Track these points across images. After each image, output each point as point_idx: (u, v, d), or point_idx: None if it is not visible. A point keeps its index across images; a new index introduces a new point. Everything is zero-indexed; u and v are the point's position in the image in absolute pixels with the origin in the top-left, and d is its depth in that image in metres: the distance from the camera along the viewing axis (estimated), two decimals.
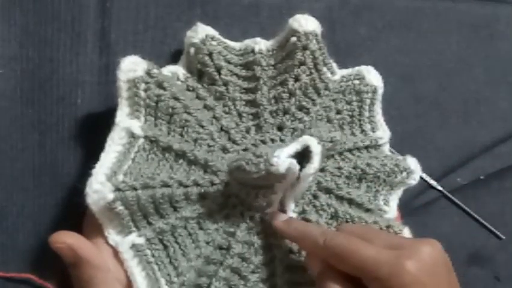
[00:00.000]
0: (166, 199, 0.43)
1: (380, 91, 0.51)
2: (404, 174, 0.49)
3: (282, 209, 0.45)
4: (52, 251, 0.41)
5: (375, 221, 0.46)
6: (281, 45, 0.48)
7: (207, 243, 0.45)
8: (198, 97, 0.47)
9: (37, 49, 0.49)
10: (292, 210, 0.45)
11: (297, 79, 0.47)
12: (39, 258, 0.48)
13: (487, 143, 0.58)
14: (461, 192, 0.57)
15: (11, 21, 0.49)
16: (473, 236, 0.57)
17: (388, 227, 0.45)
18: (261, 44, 0.48)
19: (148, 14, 0.51)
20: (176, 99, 0.45)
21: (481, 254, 0.57)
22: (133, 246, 0.42)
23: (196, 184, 0.44)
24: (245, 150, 0.47)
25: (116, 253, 0.43)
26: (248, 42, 0.48)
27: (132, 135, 0.44)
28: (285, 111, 0.48)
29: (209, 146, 0.46)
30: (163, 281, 0.43)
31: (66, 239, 0.41)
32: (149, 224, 0.43)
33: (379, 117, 0.51)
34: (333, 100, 0.49)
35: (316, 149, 0.41)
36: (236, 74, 0.48)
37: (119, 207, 0.42)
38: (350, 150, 0.49)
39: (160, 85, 0.45)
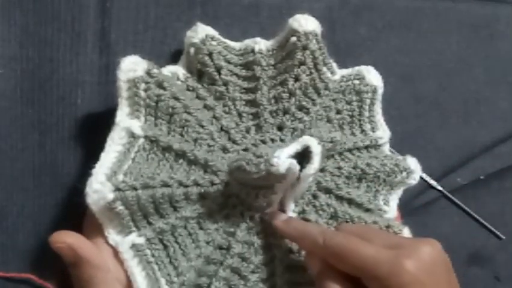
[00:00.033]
0: (166, 199, 0.43)
1: (380, 91, 0.51)
2: (404, 174, 0.49)
3: (282, 209, 0.45)
4: (52, 251, 0.41)
5: (375, 221, 0.46)
6: (281, 45, 0.48)
7: (207, 243, 0.45)
8: (198, 97, 0.47)
9: (37, 49, 0.49)
10: (292, 210, 0.45)
11: (297, 79, 0.47)
12: (39, 258, 0.48)
13: (487, 143, 0.58)
14: (461, 192, 0.57)
15: (11, 21, 0.49)
16: (473, 236, 0.57)
17: (388, 227, 0.45)
18: (261, 44, 0.48)
19: (148, 14, 0.51)
20: (176, 99, 0.45)
21: (481, 254, 0.57)
22: (133, 246, 0.42)
23: (196, 184, 0.44)
24: (245, 150, 0.47)
25: (116, 253, 0.43)
26: (248, 42, 0.48)
27: (132, 135, 0.44)
28: (285, 111, 0.48)
29: (209, 145, 0.46)
30: (163, 280, 0.43)
31: (66, 239, 0.41)
32: (149, 223, 0.43)
33: (379, 117, 0.51)
34: (333, 100, 0.49)
35: (316, 149, 0.41)
36: (236, 74, 0.48)
37: (119, 207, 0.42)
38: (349, 150, 0.49)
39: (160, 85, 0.45)
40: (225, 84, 0.47)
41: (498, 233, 0.57)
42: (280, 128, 0.48)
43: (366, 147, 0.50)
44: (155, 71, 0.45)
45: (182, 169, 0.44)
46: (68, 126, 0.49)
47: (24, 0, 0.49)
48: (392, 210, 0.50)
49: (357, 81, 0.50)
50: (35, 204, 0.48)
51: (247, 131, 0.48)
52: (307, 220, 0.46)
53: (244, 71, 0.48)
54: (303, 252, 0.45)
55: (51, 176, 0.49)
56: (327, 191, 0.47)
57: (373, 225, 0.46)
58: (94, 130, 0.48)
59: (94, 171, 0.42)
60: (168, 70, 0.47)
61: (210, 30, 0.48)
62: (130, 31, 0.51)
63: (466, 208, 0.57)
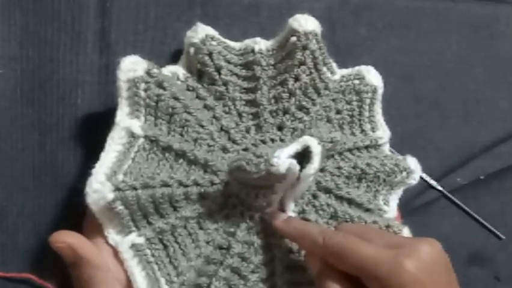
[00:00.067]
0: (166, 199, 0.43)
1: (380, 91, 0.51)
2: (404, 174, 0.49)
3: (282, 209, 0.45)
4: (52, 251, 0.41)
5: (375, 221, 0.46)
6: (281, 45, 0.48)
7: (207, 243, 0.45)
8: (198, 97, 0.47)
9: (37, 49, 0.49)
10: (291, 210, 0.45)
11: (297, 79, 0.47)
12: (39, 258, 0.48)
13: (487, 143, 0.58)
14: (461, 192, 0.57)
15: (11, 21, 0.49)
16: (473, 236, 0.57)
17: (388, 226, 0.45)
18: (261, 44, 0.48)
19: (148, 14, 0.51)
20: (176, 99, 0.45)
21: (481, 254, 0.57)
22: (133, 245, 0.42)
23: (196, 184, 0.44)
24: (245, 150, 0.47)
25: (116, 253, 0.43)
26: (248, 42, 0.48)
27: (132, 135, 0.44)
28: (285, 111, 0.48)
29: (209, 145, 0.46)
30: (163, 280, 0.43)
31: (66, 239, 0.41)
32: (149, 223, 0.43)
33: (379, 117, 0.51)
34: (333, 100, 0.49)
35: (316, 149, 0.41)
36: (236, 74, 0.48)
37: (119, 207, 0.42)
38: (349, 150, 0.49)
39: (160, 85, 0.45)
40: (225, 84, 0.47)
41: (498, 233, 0.57)
42: (280, 128, 0.48)
43: (366, 147, 0.50)
44: (155, 71, 0.45)
45: (182, 169, 0.44)
46: (68, 126, 0.49)
47: (24, 0, 0.49)
48: (392, 210, 0.50)
49: (357, 81, 0.50)
50: (35, 204, 0.48)
51: (247, 131, 0.48)
52: (307, 220, 0.46)
53: (244, 71, 0.48)
54: (303, 252, 0.45)
55: (51, 176, 0.49)
56: (327, 190, 0.47)
57: (373, 225, 0.46)
58: (94, 130, 0.48)
59: (94, 171, 0.42)
60: (168, 70, 0.47)
61: (210, 30, 0.48)
62: (130, 31, 0.51)
63: (466, 208, 0.57)
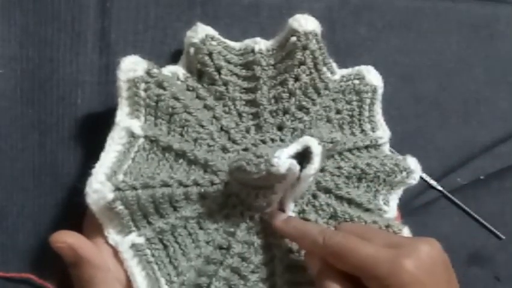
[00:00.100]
0: (166, 199, 0.43)
1: (380, 91, 0.51)
2: (404, 174, 0.49)
3: (282, 209, 0.45)
4: (52, 251, 0.41)
5: (375, 221, 0.46)
6: (281, 45, 0.48)
7: (207, 242, 0.45)
8: (198, 97, 0.47)
9: (37, 49, 0.49)
10: (291, 210, 0.45)
11: (297, 79, 0.47)
12: (39, 258, 0.48)
13: (487, 143, 0.58)
14: (461, 192, 0.57)
15: (11, 21, 0.49)
16: (473, 236, 0.57)
17: (387, 226, 0.45)
18: (261, 44, 0.48)
19: (148, 14, 0.51)
20: (176, 99, 0.45)
21: (481, 254, 0.57)
22: (133, 245, 0.42)
23: (196, 184, 0.44)
24: (245, 150, 0.47)
25: (116, 253, 0.43)
26: (248, 42, 0.48)
27: (132, 135, 0.44)
28: (285, 111, 0.48)
29: (209, 145, 0.46)
30: (163, 280, 0.43)
31: (66, 239, 0.41)
32: (149, 223, 0.43)
33: (379, 117, 0.51)
34: (333, 100, 0.49)
35: (316, 149, 0.41)
36: (236, 74, 0.48)
37: (119, 207, 0.42)
38: (349, 150, 0.49)
39: (160, 85, 0.45)
40: (225, 84, 0.47)
41: (498, 233, 0.57)
42: (280, 128, 0.48)
43: (366, 147, 0.50)
44: (155, 70, 0.45)
45: (182, 169, 0.44)
46: (68, 126, 0.49)
47: (24, 0, 0.49)
48: (392, 210, 0.50)
49: (357, 81, 0.50)
50: (35, 204, 0.48)
51: (247, 130, 0.48)
52: (307, 220, 0.46)
53: (244, 71, 0.48)
54: (303, 252, 0.45)
55: (51, 176, 0.49)
56: (327, 190, 0.47)
57: (373, 225, 0.46)
58: (94, 130, 0.48)
59: (94, 171, 0.42)
60: (168, 70, 0.47)
61: (210, 30, 0.48)
62: (130, 31, 0.51)
63: (466, 208, 0.57)
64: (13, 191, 0.48)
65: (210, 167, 0.44)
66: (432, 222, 0.56)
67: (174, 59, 0.50)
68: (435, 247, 0.39)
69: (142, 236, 0.43)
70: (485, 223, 0.57)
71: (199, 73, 0.48)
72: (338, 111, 0.49)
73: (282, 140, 0.48)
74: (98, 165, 0.42)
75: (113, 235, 0.43)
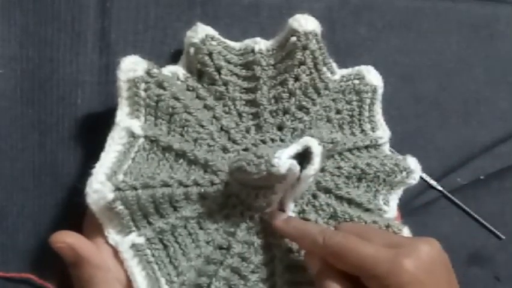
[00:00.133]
0: (166, 199, 0.43)
1: (380, 91, 0.51)
2: (404, 173, 0.49)
3: (282, 209, 0.45)
4: (52, 251, 0.41)
5: (375, 221, 0.46)
6: (281, 45, 0.48)
7: (207, 242, 0.45)
8: (198, 97, 0.47)
9: (37, 49, 0.49)
10: (291, 210, 0.45)
11: (297, 79, 0.47)
12: (39, 258, 0.48)
13: (487, 143, 0.58)
14: (461, 192, 0.57)
15: (11, 21, 0.49)
16: (473, 236, 0.57)
17: (387, 226, 0.45)
18: (261, 44, 0.48)
19: (148, 14, 0.51)
20: (176, 99, 0.45)
21: (481, 254, 0.57)
22: (133, 245, 0.42)
23: (196, 184, 0.44)
24: (245, 150, 0.47)
25: (116, 253, 0.43)
26: (248, 42, 0.48)
27: (132, 135, 0.44)
28: (285, 111, 0.48)
29: (209, 145, 0.46)
30: (163, 280, 0.43)
31: (66, 239, 0.41)
32: (149, 223, 0.43)
33: (379, 117, 0.51)
34: (333, 100, 0.49)
35: (317, 150, 0.41)
36: (236, 74, 0.48)
37: (119, 207, 0.42)
38: (349, 150, 0.49)
39: (160, 85, 0.45)
40: (225, 84, 0.47)
41: (498, 233, 0.57)
42: (280, 128, 0.48)
43: (366, 147, 0.50)
44: (155, 70, 0.45)
45: (182, 169, 0.44)
46: (68, 126, 0.49)
47: (24, 0, 0.49)
48: (392, 210, 0.50)
49: (357, 81, 0.50)
50: (35, 204, 0.48)
51: (247, 131, 0.48)
52: (307, 220, 0.46)
53: (244, 71, 0.48)
54: (303, 252, 0.45)
55: (51, 176, 0.49)
56: (327, 190, 0.47)
57: (373, 225, 0.46)
58: (94, 130, 0.48)
59: (94, 171, 0.42)
60: (168, 70, 0.47)
61: (210, 30, 0.48)
62: (130, 31, 0.51)
63: (466, 208, 0.57)
64: (13, 191, 0.48)
65: (210, 167, 0.44)
66: (432, 222, 0.56)
67: (174, 59, 0.50)
68: (435, 247, 0.39)
69: (142, 236, 0.43)
70: (485, 223, 0.57)
71: (199, 73, 0.48)
72: (338, 111, 0.49)
73: (282, 140, 0.48)
74: (98, 165, 0.42)
75: (113, 235, 0.43)
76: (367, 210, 0.48)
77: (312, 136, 0.42)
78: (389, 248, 0.39)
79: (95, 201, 0.41)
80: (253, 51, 0.47)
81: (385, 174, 0.49)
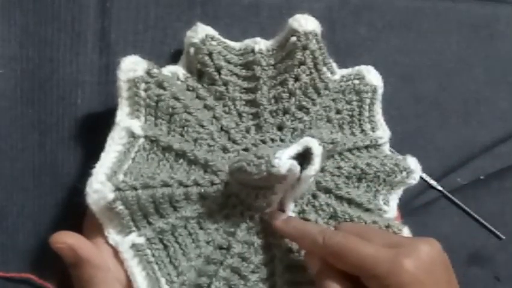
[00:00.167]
0: (166, 199, 0.43)
1: (380, 91, 0.51)
2: (404, 173, 0.49)
3: (282, 209, 0.45)
4: (52, 251, 0.41)
5: (375, 221, 0.46)
6: (281, 45, 0.48)
7: (207, 243, 0.45)
8: (198, 97, 0.47)
9: (37, 49, 0.49)
10: (291, 210, 0.45)
11: (297, 79, 0.47)
12: (39, 258, 0.48)
13: (487, 143, 0.58)
14: (461, 192, 0.57)
15: (11, 21, 0.49)
16: (473, 236, 0.57)
17: (387, 226, 0.45)
18: (261, 44, 0.48)
19: (148, 14, 0.51)
20: (176, 99, 0.45)
21: (481, 254, 0.57)
22: (133, 245, 0.42)
23: (196, 184, 0.44)
24: (245, 150, 0.47)
25: (116, 253, 0.43)
26: (248, 42, 0.48)
27: (132, 135, 0.44)
28: (285, 111, 0.48)
29: (209, 145, 0.46)
30: (163, 280, 0.43)
31: (66, 239, 0.41)
32: (150, 223, 0.43)
33: (379, 117, 0.51)
34: (333, 100, 0.49)
35: (317, 150, 0.41)
36: (236, 74, 0.48)
37: (120, 207, 0.42)
38: (349, 150, 0.49)
39: (160, 85, 0.45)
40: (225, 84, 0.47)
41: (498, 233, 0.57)
42: (280, 128, 0.48)
43: (366, 147, 0.50)
44: (155, 71, 0.45)
45: (182, 169, 0.44)
46: (68, 126, 0.49)
47: (24, 0, 0.49)
48: (392, 210, 0.50)
49: (357, 81, 0.50)
50: (35, 204, 0.48)
51: (247, 131, 0.48)
52: (307, 220, 0.46)
53: (244, 71, 0.48)
54: (303, 252, 0.45)
55: (51, 176, 0.49)
56: (327, 190, 0.47)
57: (373, 225, 0.46)
58: (94, 130, 0.48)
59: (94, 171, 0.42)
60: (168, 70, 0.47)
61: (210, 30, 0.48)
62: (130, 31, 0.51)
63: (466, 208, 0.57)
64: (13, 191, 0.48)
65: (210, 167, 0.44)
66: (432, 222, 0.56)
67: (174, 59, 0.50)
68: (435, 247, 0.39)
69: (142, 236, 0.43)
70: (485, 223, 0.57)
71: (199, 73, 0.48)
72: (338, 111, 0.49)
73: (282, 140, 0.48)
74: (98, 165, 0.42)
75: (113, 235, 0.43)
76: (367, 210, 0.48)
77: (312, 136, 0.42)
78: (389, 248, 0.39)
79: (95, 201, 0.41)
80: (253, 51, 0.47)
81: (385, 174, 0.49)
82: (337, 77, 0.50)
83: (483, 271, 0.57)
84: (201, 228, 0.45)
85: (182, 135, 0.45)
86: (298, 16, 0.47)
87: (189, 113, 0.45)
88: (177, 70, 0.48)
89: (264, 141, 0.47)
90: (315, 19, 0.47)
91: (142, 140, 0.44)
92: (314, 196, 0.47)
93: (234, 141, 0.47)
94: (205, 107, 0.47)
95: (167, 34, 0.51)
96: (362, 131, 0.50)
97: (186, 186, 0.43)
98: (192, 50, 0.47)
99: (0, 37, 0.48)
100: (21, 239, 0.48)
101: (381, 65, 0.51)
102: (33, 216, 0.48)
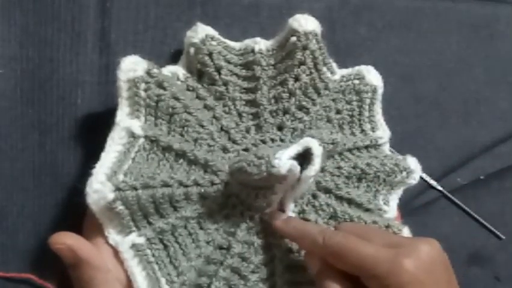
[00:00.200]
0: (166, 199, 0.43)
1: (380, 91, 0.51)
2: (404, 173, 0.49)
3: (282, 209, 0.45)
4: (52, 251, 0.41)
5: (375, 221, 0.46)
6: (281, 45, 0.48)
7: (207, 243, 0.45)
8: (198, 97, 0.47)
9: (37, 49, 0.49)
10: (291, 210, 0.45)
11: (297, 79, 0.47)
12: (39, 258, 0.48)
13: (487, 143, 0.58)
14: (461, 192, 0.57)
15: (11, 21, 0.49)
16: (473, 236, 0.57)
17: (387, 226, 0.45)
18: (261, 44, 0.48)
19: (148, 14, 0.51)
20: (176, 99, 0.45)
21: (481, 254, 0.57)
22: (133, 246, 0.42)
23: (196, 184, 0.44)
24: (245, 150, 0.47)
25: (116, 253, 0.43)
26: (248, 42, 0.48)
27: (132, 135, 0.44)
28: (285, 111, 0.48)
29: (209, 145, 0.46)
30: (163, 280, 0.43)
31: (66, 240, 0.41)
32: (150, 223, 0.43)
33: (379, 117, 0.51)
34: (333, 100, 0.49)
35: (317, 151, 0.41)
36: (236, 74, 0.48)
37: (120, 207, 0.42)
38: (349, 150, 0.49)
39: (160, 85, 0.45)
40: (225, 84, 0.47)
41: (498, 233, 0.57)
42: (280, 128, 0.48)
43: (366, 147, 0.50)
44: (155, 71, 0.45)
45: (182, 169, 0.44)
46: (68, 126, 0.49)
47: (24, 0, 0.49)
48: (392, 210, 0.50)
49: (357, 81, 0.50)
50: (35, 204, 0.48)
51: (247, 131, 0.48)
52: (307, 220, 0.46)
53: (244, 71, 0.48)
54: (303, 252, 0.45)
55: (51, 176, 0.49)
56: (327, 190, 0.47)
57: (373, 225, 0.46)
58: (94, 130, 0.48)
59: (94, 171, 0.42)
60: (168, 70, 0.47)
61: (210, 30, 0.48)
62: (130, 31, 0.51)
63: (466, 208, 0.57)
64: (13, 191, 0.48)
65: (210, 167, 0.44)
66: (432, 222, 0.56)
67: (174, 59, 0.50)
68: (435, 247, 0.39)
69: (143, 236, 0.43)
70: (485, 223, 0.57)
71: (199, 73, 0.48)
72: (338, 111, 0.49)
73: (282, 140, 0.48)
74: (98, 165, 0.42)
75: (113, 235, 0.43)
76: (367, 210, 0.48)
77: (312, 136, 0.42)
78: (389, 248, 0.39)
79: (96, 201, 0.41)
80: (253, 51, 0.47)
81: (385, 174, 0.49)
82: (337, 77, 0.50)
83: (483, 271, 0.57)
84: (201, 228, 0.45)
85: (182, 135, 0.45)
86: (298, 16, 0.47)
87: (189, 113, 0.45)
88: (177, 70, 0.48)
89: (264, 141, 0.47)
90: (315, 19, 0.47)
91: (142, 140, 0.44)
92: (314, 196, 0.47)
93: (234, 141, 0.47)
94: (205, 107, 0.47)
95: (167, 34, 0.51)
96: (362, 131, 0.50)
97: (186, 186, 0.43)
98: (191, 50, 0.47)
99: (0, 37, 0.48)
100: (21, 239, 0.48)
101: (381, 65, 0.51)
102: (33, 216, 0.48)
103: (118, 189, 0.41)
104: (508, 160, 0.58)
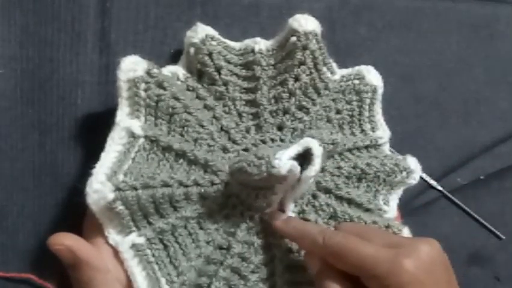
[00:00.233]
0: (166, 199, 0.43)
1: (380, 91, 0.51)
2: (404, 173, 0.49)
3: (282, 209, 0.45)
4: (52, 251, 0.41)
5: (375, 221, 0.46)
6: (281, 45, 0.48)
7: (207, 243, 0.45)
8: (198, 97, 0.47)
9: (37, 49, 0.49)
10: (291, 210, 0.45)
11: (297, 79, 0.47)
12: (39, 258, 0.48)
13: (487, 143, 0.58)
14: (461, 192, 0.57)
15: (11, 21, 0.49)
16: (473, 236, 0.57)
17: (387, 226, 0.45)
18: (261, 44, 0.48)
19: (148, 14, 0.51)
20: (176, 99, 0.45)
21: (481, 254, 0.57)
22: (133, 246, 0.42)
23: (196, 184, 0.44)
24: (245, 150, 0.47)
25: (116, 253, 0.43)
26: (248, 42, 0.48)
27: (132, 135, 0.44)
28: (285, 111, 0.48)
29: (209, 145, 0.46)
30: (163, 280, 0.43)
31: (65, 241, 0.41)
32: (150, 223, 0.43)
33: (379, 117, 0.51)
34: (333, 100, 0.49)
35: (317, 151, 0.41)
36: (236, 74, 0.48)
37: (120, 207, 0.42)
38: (349, 150, 0.49)
39: (160, 85, 0.45)
40: (225, 84, 0.47)
41: (498, 233, 0.57)
42: (280, 128, 0.48)
43: (366, 147, 0.50)
44: (155, 71, 0.45)
45: (182, 169, 0.44)
46: (68, 126, 0.49)
47: (24, 0, 0.49)
48: (392, 210, 0.50)
49: (357, 81, 0.50)
50: (35, 204, 0.48)
51: (247, 131, 0.48)
52: (307, 220, 0.46)
53: (244, 71, 0.48)
54: (303, 252, 0.45)
55: (51, 176, 0.49)
56: (327, 191, 0.47)
57: (373, 225, 0.46)
58: (94, 130, 0.48)
59: (94, 171, 0.42)
60: (168, 70, 0.47)
61: (210, 30, 0.48)
62: (130, 31, 0.51)
63: (466, 208, 0.57)
64: (13, 191, 0.48)
65: (210, 167, 0.44)
66: (432, 222, 0.56)
67: (174, 59, 0.50)
68: (435, 247, 0.39)
69: (143, 236, 0.43)
70: (485, 223, 0.57)
71: (199, 73, 0.48)
72: (338, 111, 0.49)
73: (282, 140, 0.48)
74: (98, 165, 0.42)
75: (113, 235, 0.43)
76: (367, 210, 0.48)
77: (312, 136, 0.42)
78: (389, 248, 0.39)
79: (96, 201, 0.41)
80: (253, 51, 0.47)
81: (385, 174, 0.49)
82: (337, 77, 0.50)
83: (483, 271, 0.57)
84: (201, 228, 0.45)
85: (182, 135, 0.45)
86: (298, 16, 0.47)
87: (189, 113, 0.45)
88: (177, 70, 0.48)
89: (264, 141, 0.47)
90: (315, 19, 0.47)
91: (142, 140, 0.44)
92: (314, 196, 0.47)
93: (234, 141, 0.47)
94: (205, 107, 0.47)
95: (167, 34, 0.51)
96: (362, 131, 0.50)
97: (186, 186, 0.43)
98: (191, 50, 0.47)
99: (0, 37, 0.48)
100: (21, 239, 0.48)
101: (381, 65, 0.51)
102: (33, 216, 0.48)
103: (118, 189, 0.41)
104: (508, 160, 0.58)
